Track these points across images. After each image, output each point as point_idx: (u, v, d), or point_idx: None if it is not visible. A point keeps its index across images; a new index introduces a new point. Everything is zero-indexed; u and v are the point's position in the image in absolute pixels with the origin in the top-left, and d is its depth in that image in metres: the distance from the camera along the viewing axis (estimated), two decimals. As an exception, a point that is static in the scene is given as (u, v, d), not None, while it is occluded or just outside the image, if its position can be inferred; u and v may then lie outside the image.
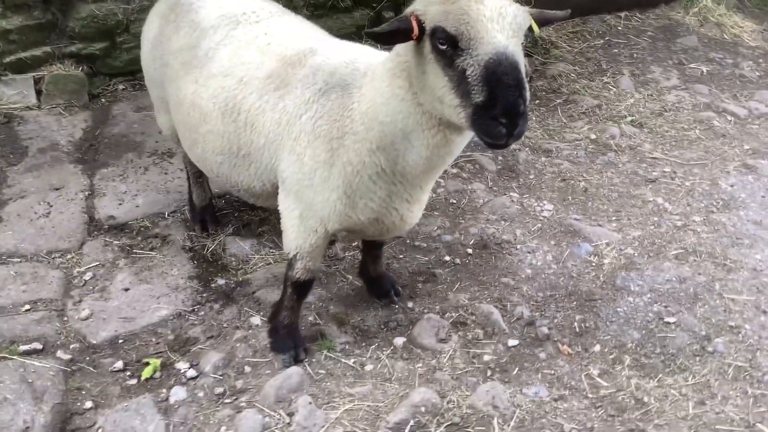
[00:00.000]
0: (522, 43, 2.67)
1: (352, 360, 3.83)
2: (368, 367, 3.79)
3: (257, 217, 4.99)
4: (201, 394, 3.63)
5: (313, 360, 3.82)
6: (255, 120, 3.45)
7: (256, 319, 4.09)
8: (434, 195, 5.20)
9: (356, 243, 4.71)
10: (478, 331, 4.02)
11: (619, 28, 8.50)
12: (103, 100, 6.40)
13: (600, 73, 7.36)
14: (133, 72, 6.60)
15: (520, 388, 3.67)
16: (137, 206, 5.03)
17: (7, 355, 3.72)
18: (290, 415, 3.46)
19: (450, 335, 3.99)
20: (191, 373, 3.74)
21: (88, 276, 4.38)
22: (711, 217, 5.09)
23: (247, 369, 3.78)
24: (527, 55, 7.37)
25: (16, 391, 3.53)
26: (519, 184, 5.49)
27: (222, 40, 3.66)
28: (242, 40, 3.61)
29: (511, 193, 5.35)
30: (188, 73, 3.74)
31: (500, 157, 5.78)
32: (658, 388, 3.66)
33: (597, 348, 3.92)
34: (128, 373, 3.75)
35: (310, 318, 4.11)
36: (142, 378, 3.70)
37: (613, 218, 5.09)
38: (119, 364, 3.77)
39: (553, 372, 3.77)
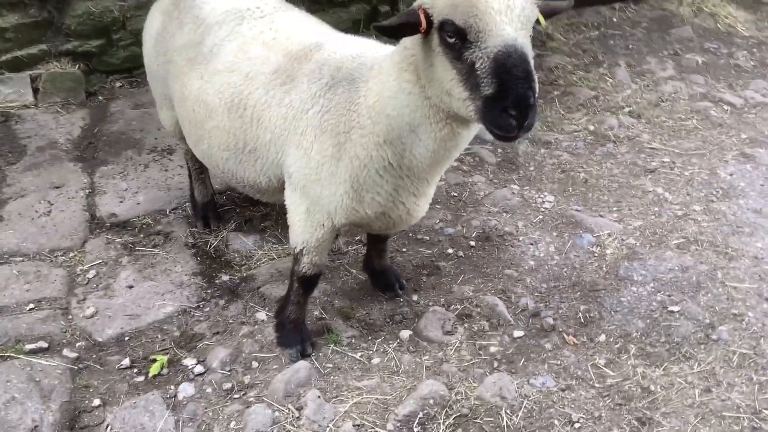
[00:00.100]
0: (530, 35, 2.67)
1: (359, 354, 3.84)
2: (375, 361, 3.80)
3: (259, 212, 4.99)
4: (209, 390, 3.63)
5: (320, 354, 3.83)
6: (261, 115, 3.44)
7: (262, 315, 4.09)
8: (435, 188, 5.20)
9: (359, 237, 4.72)
10: (484, 323, 4.04)
11: (614, 19, 8.52)
12: (100, 97, 6.38)
13: (596, 65, 7.39)
14: (130, 69, 6.59)
15: (527, 378, 3.69)
16: (138, 203, 5.02)
17: (13, 354, 3.72)
18: (299, 409, 3.47)
19: (456, 327, 4.01)
20: (199, 369, 3.74)
21: (91, 274, 4.38)
22: (711, 206, 5.12)
23: (255, 364, 3.78)
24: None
25: (24, 390, 3.53)
26: (519, 176, 5.50)
27: (227, 35, 3.65)
28: (247, 35, 3.60)
29: (512, 185, 5.36)
30: (193, 70, 3.73)
31: (500, 150, 5.79)
32: (664, 377, 3.69)
33: (602, 338, 3.95)
34: (135, 370, 3.75)
35: (316, 312, 4.11)
36: (150, 375, 3.70)
37: (614, 209, 5.11)
38: (126, 362, 3.77)
39: (559, 362, 3.80)
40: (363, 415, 3.45)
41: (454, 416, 3.45)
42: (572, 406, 3.54)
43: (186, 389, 3.62)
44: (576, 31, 8.18)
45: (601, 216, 5.01)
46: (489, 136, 5.55)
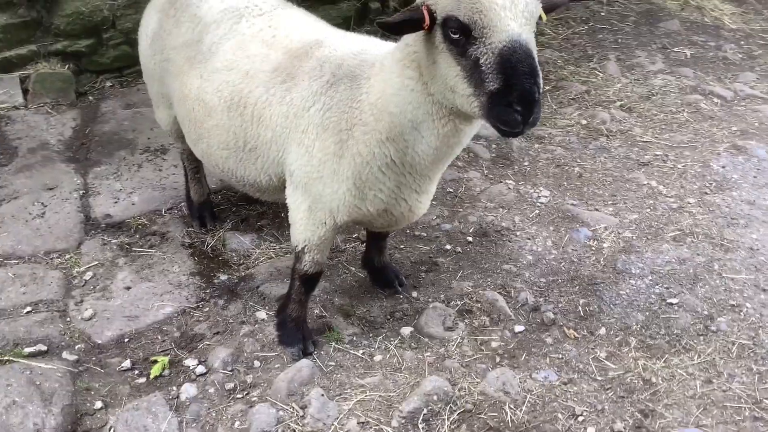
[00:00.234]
0: (533, 31, 2.67)
1: (361, 351, 3.84)
2: (377, 358, 3.80)
3: (255, 211, 4.98)
4: (212, 390, 3.62)
5: (322, 352, 3.82)
6: (262, 113, 3.43)
7: (262, 314, 4.08)
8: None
9: (357, 234, 4.72)
10: (484, 318, 4.05)
11: (602, 13, 8.57)
12: (90, 97, 6.33)
13: (586, 59, 7.42)
14: (120, 69, 6.54)
15: (530, 373, 3.70)
16: (133, 204, 4.98)
17: (12, 358, 3.68)
18: (303, 407, 3.47)
19: (456, 323, 4.01)
20: (200, 369, 3.72)
21: (88, 276, 4.34)
22: (705, 198, 5.15)
23: (257, 363, 3.77)
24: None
25: (25, 393, 3.49)
26: (514, 171, 5.52)
27: (225, 34, 3.63)
28: (246, 33, 3.58)
29: (507, 181, 5.37)
30: (192, 68, 3.70)
31: (494, 145, 5.81)
32: (665, 369, 3.71)
33: (602, 331, 3.97)
34: (136, 372, 3.73)
35: (316, 311, 4.11)
36: (151, 376, 3.68)
37: (609, 202, 5.14)
38: (127, 363, 3.74)
39: (560, 356, 3.81)
40: (367, 413, 3.45)
41: (458, 412, 3.45)
42: (575, 399, 3.55)
43: (188, 390, 3.60)
44: (565, 25, 8.22)
45: (597, 210, 5.03)
46: (484, 132, 5.60)
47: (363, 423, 3.40)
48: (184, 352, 3.83)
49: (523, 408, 3.49)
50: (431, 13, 2.67)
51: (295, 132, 3.33)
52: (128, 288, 4.27)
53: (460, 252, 4.61)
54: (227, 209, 5.00)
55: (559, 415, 3.45)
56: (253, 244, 4.65)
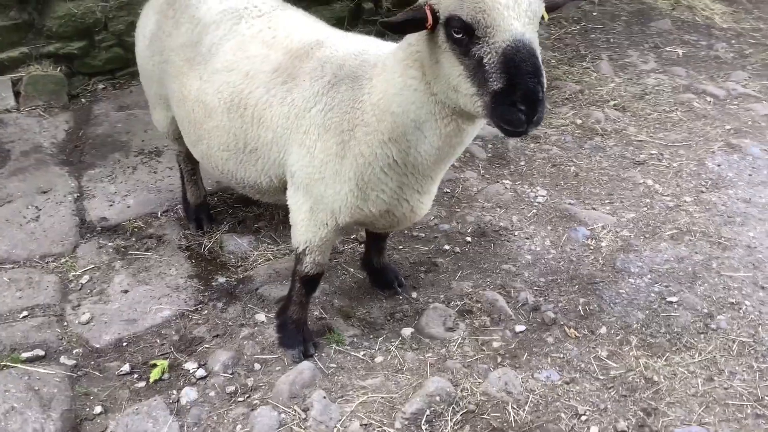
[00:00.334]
0: (536, 31, 2.66)
1: (362, 352, 3.82)
2: (378, 359, 3.79)
3: (252, 213, 4.95)
4: (212, 394, 3.59)
5: (323, 354, 3.80)
6: (262, 114, 3.40)
7: (261, 316, 4.05)
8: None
9: (355, 236, 4.70)
10: (485, 319, 4.04)
11: (594, 13, 8.59)
12: (83, 100, 6.28)
13: (579, 59, 7.43)
14: (112, 71, 6.50)
15: (532, 372, 3.70)
16: (129, 207, 4.95)
17: (9, 363, 3.65)
18: (305, 410, 3.45)
19: (457, 324, 4.00)
20: (200, 372, 3.69)
21: (84, 279, 4.30)
22: (701, 196, 5.17)
23: (257, 366, 3.74)
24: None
25: (23, 399, 3.46)
26: (510, 171, 5.52)
27: (225, 35, 3.60)
28: (246, 34, 3.56)
29: (504, 180, 5.37)
30: (192, 69, 3.68)
31: (490, 145, 5.81)
32: (667, 367, 3.72)
33: (603, 330, 3.97)
34: (136, 376, 3.69)
35: (316, 312, 4.08)
36: (151, 380, 3.65)
37: (606, 201, 5.15)
38: (126, 367, 3.71)
39: (562, 355, 3.81)
40: (370, 414, 3.44)
41: (461, 412, 3.44)
42: (578, 398, 3.55)
43: (189, 394, 3.57)
44: (557, 25, 8.24)
45: (594, 209, 5.04)
46: (480, 132, 5.59)
47: (366, 425, 3.39)
48: (183, 356, 3.81)
49: (526, 408, 3.48)
50: (434, 13, 2.67)
51: (296, 133, 3.31)
52: (125, 291, 4.23)
53: (458, 252, 4.61)
54: (224, 211, 4.97)
55: (562, 415, 3.45)
56: (251, 246, 4.62)
